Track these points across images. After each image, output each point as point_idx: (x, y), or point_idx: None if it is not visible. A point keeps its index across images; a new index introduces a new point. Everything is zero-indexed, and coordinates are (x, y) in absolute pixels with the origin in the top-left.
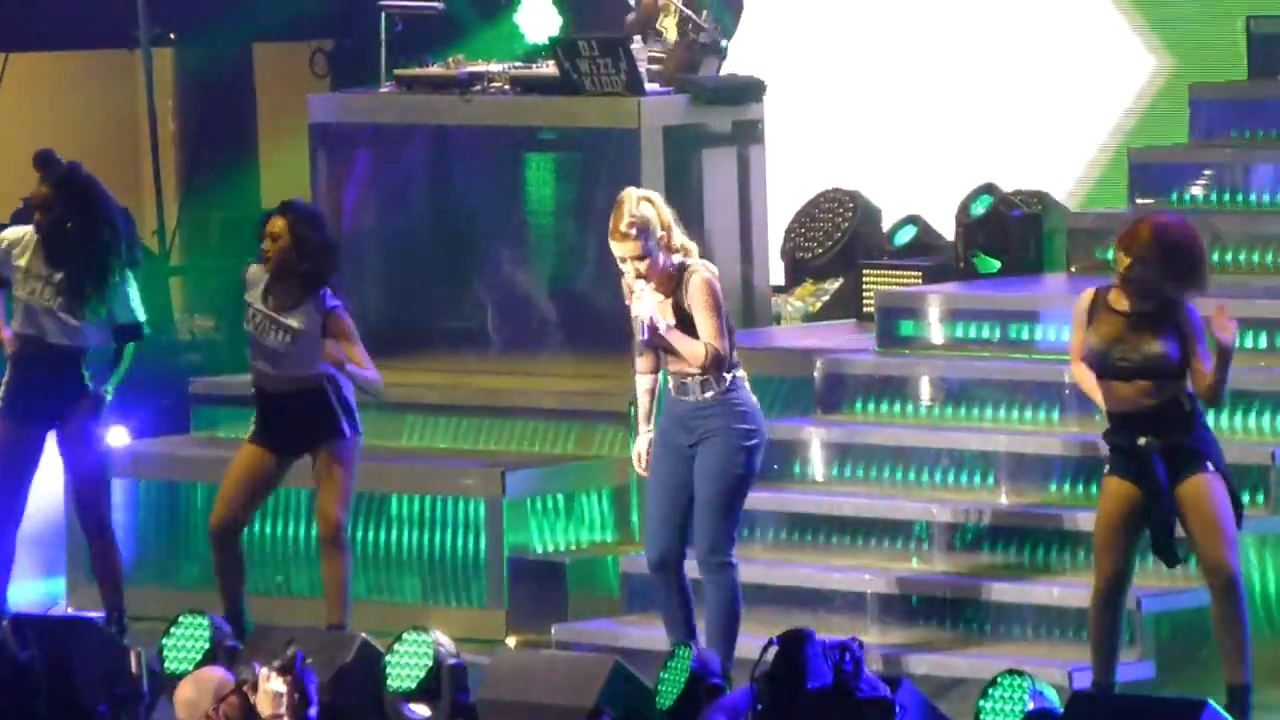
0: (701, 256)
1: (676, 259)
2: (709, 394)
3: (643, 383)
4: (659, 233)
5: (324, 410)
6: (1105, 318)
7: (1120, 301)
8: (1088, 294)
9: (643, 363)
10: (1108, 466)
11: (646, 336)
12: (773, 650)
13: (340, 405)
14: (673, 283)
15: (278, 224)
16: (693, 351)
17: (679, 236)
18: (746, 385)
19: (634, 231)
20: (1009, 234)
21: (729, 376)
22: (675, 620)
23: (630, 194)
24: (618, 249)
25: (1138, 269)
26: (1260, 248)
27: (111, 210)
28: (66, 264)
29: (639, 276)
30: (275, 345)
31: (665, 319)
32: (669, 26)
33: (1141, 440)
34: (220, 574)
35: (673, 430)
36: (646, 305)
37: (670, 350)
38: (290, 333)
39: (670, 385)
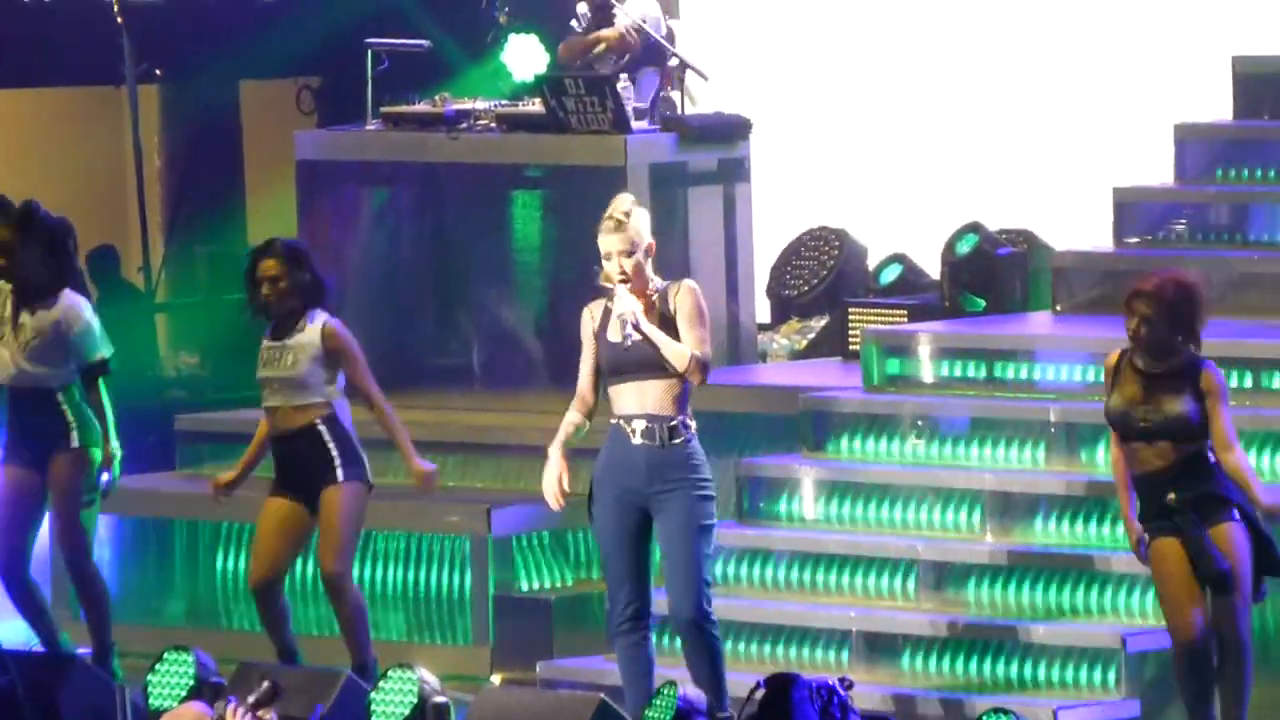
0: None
1: (656, 281)
2: (676, 441)
3: (572, 417)
4: (646, 240)
5: (320, 453)
6: (1128, 378)
7: (1139, 361)
8: (1114, 355)
9: (580, 403)
10: (1147, 535)
11: (630, 333)
12: (759, 693)
13: (339, 448)
14: (649, 301)
15: (271, 267)
16: (677, 352)
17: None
18: (696, 440)
19: (628, 220)
20: (994, 273)
21: (691, 425)
22: (638, 681)
23: (624, 196)
24: (609, 241)
25: (1144, 328)
26: (1246, 288)
27: (69, 241)
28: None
29: (622, 276)
30: (279, 373)
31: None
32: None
33: (1171, 496)
34: (266, 629)
35: (623, 478)
36: (629, 301)
37: (634, 372)
38: (293, 352)
39: (628, 429)
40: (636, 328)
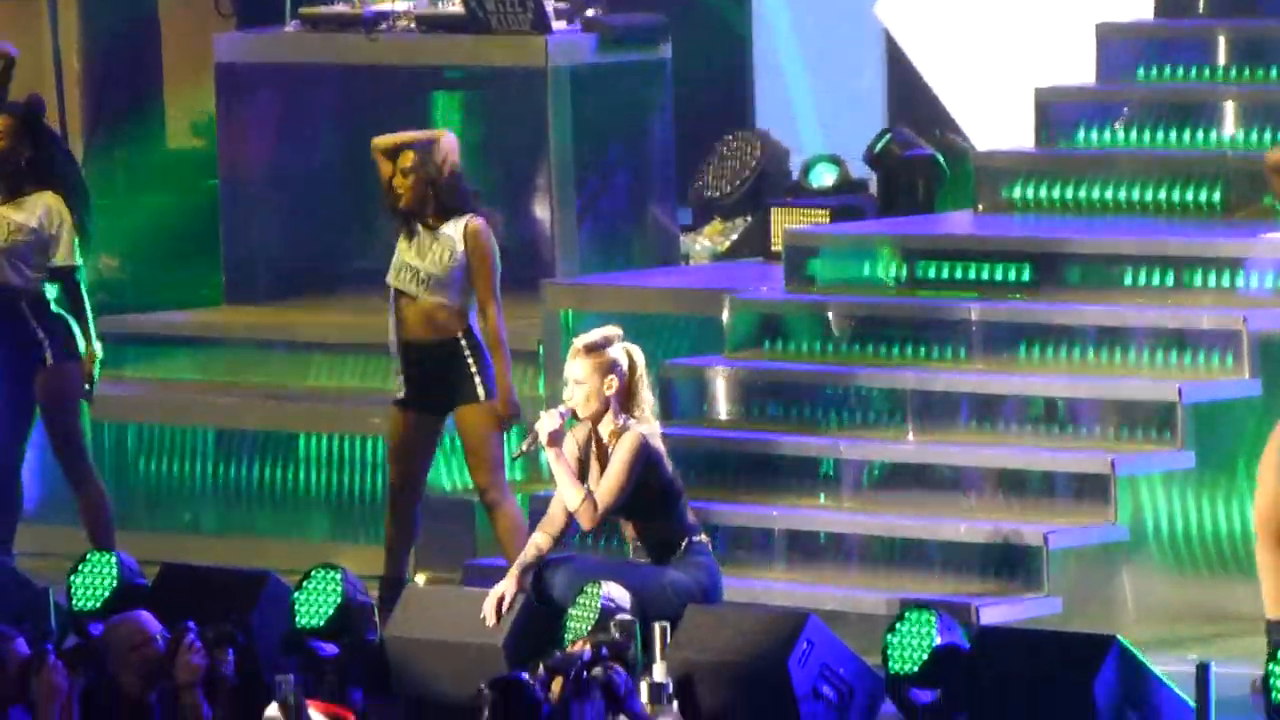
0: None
1: (623, 419)
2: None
3: (537, 538)
4: (615, 384)
5: (460, 369)
6: None
7: None
8: None
9: (548, 524)
10: None
11: (530, 447)
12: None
13: (479, 365)
14: (612, 438)
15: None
16: (569, 488)
17: (647, 396)
18: (710, 555)
19: (590, 353)
20: (914, 173)
21: (684, 545)
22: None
23: (615, 332)
24: (570, 367)
25: None
26: (1166, 187)
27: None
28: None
29: (571, 407)
30: (421, 273)
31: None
32: None
33: None
34: (387, 533)
35: None
36: (548, 422)
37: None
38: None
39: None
40: (536, 442)
